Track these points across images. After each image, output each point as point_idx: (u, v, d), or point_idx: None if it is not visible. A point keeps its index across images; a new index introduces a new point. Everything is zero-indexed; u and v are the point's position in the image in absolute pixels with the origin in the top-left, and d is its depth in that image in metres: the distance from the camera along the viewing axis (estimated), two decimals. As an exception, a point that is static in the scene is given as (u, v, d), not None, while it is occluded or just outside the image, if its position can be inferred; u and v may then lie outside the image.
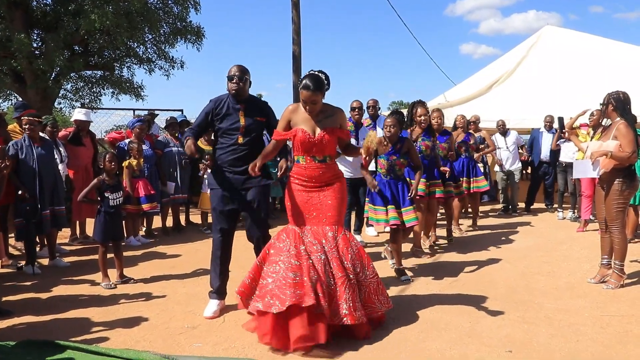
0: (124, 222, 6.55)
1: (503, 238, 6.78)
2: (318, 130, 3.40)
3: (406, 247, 5.67)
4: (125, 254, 5.97)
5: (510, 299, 4.15)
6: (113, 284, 4.68)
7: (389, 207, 4.72)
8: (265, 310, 3.17)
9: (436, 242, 6.28)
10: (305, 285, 3.15)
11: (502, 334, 3.41)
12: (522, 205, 9.41)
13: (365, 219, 5.75)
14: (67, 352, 3.11)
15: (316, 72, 3.40)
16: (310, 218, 3.46)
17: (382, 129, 6.66)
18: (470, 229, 7.43)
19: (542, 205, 9.33)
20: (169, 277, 4.97)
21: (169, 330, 3.57)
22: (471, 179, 7.29)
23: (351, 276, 3.35)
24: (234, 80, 3.78)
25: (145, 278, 4.95)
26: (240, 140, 3.79)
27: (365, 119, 6.67)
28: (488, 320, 3.67)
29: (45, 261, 5.58)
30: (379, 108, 6.88)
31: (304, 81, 3.32)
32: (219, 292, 3.93)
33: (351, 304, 3.23)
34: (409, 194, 4.72)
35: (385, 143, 4.43)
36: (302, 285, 3.15)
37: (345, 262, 3.37)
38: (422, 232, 5.88)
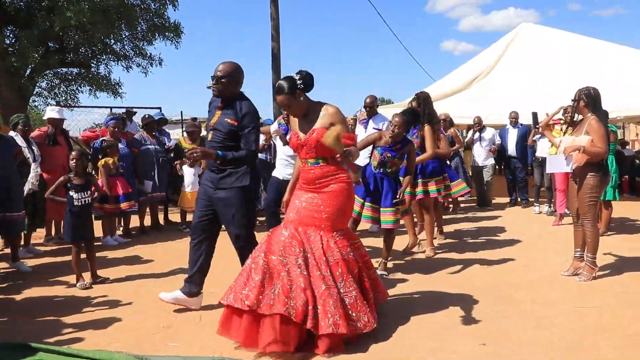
0: (100, 221, 6.52)
1: (479, 232, 6.86)
2: (307, 132, 3.36)
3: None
4: (101, 253, 5.92)
5: (486, 293, 4.20)
6: (88, 284, 4.60)
7: (366, 203, 4.71)
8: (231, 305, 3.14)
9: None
10: (269, 292, 3.08)
11: (478, 327, 3.45)
12: (502, 200, 9.54)
13: None
14: (39, 354, 3.06)
15: (294, 74, 3.36)
16: (305, 219, 3.33)
17: (374, 128, 6.74)
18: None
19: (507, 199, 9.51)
20: (145, 277, 4.92)
21: (144, 330, 3.53)
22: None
23: (330, 283, 3.14)
24: (212, 80, 3.67)
25: (121, 278, 4.89)
26: (209, 137, 3.75)
27: (362, 113, 6.79)
28: (464, 314, 3.71)
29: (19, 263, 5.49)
30: (378, 105, 6.98)
31: (277, 85, 3.33)
32: (188, 282, 3.92)
33: (321, 313, 3.05)
34: (397, 196, 4.56)
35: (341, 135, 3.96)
36: (263, 291, 3.08)
37: (323, 270, 3.17)
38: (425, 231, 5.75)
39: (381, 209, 4.65)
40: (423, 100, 5.57)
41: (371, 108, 6.77)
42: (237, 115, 3.65)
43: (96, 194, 4.96)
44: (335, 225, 3.36)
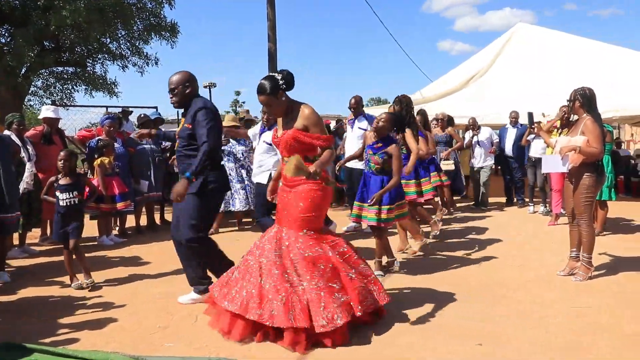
0: (96, 221, 6.50)
1: (475, 232, 6.87)
2: (283, 131, 3.45)
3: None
4: (97, 253, 5.92)
5: (481, 293, 4.21)
6: (84, 284, 4.57)
7: (355, 202, 4.78)
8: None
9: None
10: (238, 291, 3.27)
11: (473, 328, 3.46)
12: (500, 200, 9.57)
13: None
14: (34, 354, 3.05)
15: (275, 74, 3.42)
16: (282, 217, 3.49)
17: (358, 128, 6.78)
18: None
19: (503, 199, 9.54)
20: (141, 277, 4.91)
21: (141, 330, 3.52)
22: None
23: (291, 280, 3.20)
24: (169, 94, 3.88)
25: (117, 278, 4.88)
26: (176, 145, 3.93)
27: (351, 114, 6.87)
28: (459, 314, 3.71)
29: (14, 262, 5.47)
30: (363, 105, 7.06)
31: (258, 85, 3.38)
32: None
33: (281, 308, 3.09)
34: (369, 200, 4.53)
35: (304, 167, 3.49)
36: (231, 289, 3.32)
37: (287, 266, 3.26)
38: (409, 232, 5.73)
39: (364, 205, 4.66)
40: (406, 104, 5.62)
41: (356, 109, 6.83)
42: (192, 119, 3.79)
43: (91, 194, 4.91)
44: (305, 224, 3.38)
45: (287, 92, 3.43)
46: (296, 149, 3.37)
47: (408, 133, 5.38)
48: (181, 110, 4.06)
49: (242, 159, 7.12)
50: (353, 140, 6.70)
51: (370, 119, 6.82)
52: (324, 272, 3.26)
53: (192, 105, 3.86)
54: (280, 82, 3.36)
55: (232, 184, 6.78)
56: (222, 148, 6.25)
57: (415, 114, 6.54)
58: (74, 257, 4.63)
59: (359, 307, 3.24)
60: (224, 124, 6.21)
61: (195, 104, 3.85)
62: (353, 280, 3.33)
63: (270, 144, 5.20)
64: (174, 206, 3.95)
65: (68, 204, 4.59)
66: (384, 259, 4.85)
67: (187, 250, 3.90)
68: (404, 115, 5.36)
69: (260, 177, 5.62)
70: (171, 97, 3.86)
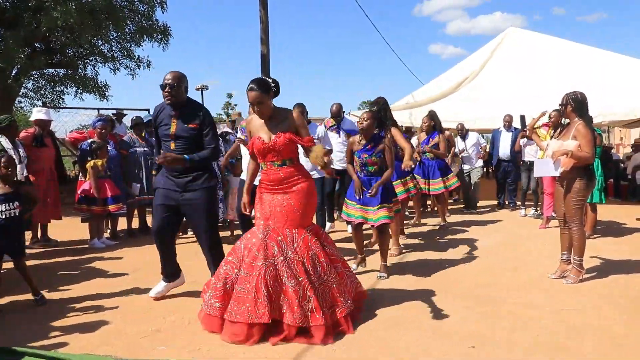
0: (88, 223, 6.46)
1: (467, 235, 6.91)
2: (272, 136, 3.49)
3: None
4: (88, 256, 5.88)
5: (474, 295, 4.23)
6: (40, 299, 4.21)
7: (357, 205, 4.76)
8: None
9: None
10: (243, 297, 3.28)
11: (466, 330, 3.47)
12: (490, 203, 9.63)
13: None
14: (25, 358, 3.02)
15: (266, 79, 3.58)
16: (274, 219, 3.49)
17: (344, 131, 6.82)
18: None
19: (495, 202, 9.60)
20: (133, 280, 4.88)
21: (132, 333, 3.50)
22: (429, 181, 7.47)
23: (313, 278, 3.37)
24: (166, 89, 3.84)
25: (109, 280, 4.85)
26: (172, 146, 3.88)
27: (328, 120, 6.88)
28: (452, 316, 3.73)
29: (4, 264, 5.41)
30: (344, 112, 7.13)
31: (250, 83, 3.44)
32: (167, 276, 4.26)
33: (312, 305, 3.28)
34: (369, 192, 4.64)
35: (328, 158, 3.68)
36: (227, 296, 3.35)
37: (306, 265, 3.38)
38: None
39: (369, 207, 4.71)
40: (383, 105, 5.73)
41: (337, 116, 6.92)
42: (199, 119, 3.87)
43: (28, 203, 4.39)
44: (304, 221, 3.55)
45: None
46: (289, 151, 3.50)
47: (396, 132, 5.52)
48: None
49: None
50: (340, 146, 6.76)
51: (348, 121, 6.98)
52: (331, 265, 3.52)
53: (191, 105, 3.95)
54: (272, 85, 3.53)
55: None
56: None
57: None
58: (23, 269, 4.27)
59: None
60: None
61: (198, 106, 3.98)
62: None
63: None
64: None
65: (8, 215, 4.10)
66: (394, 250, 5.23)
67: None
68: (382, 114, 5.47)
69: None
70: (169, 92, 3.81)
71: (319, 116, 11.05)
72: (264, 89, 3.44)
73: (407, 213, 7.66)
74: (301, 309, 3.25)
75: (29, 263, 5.56)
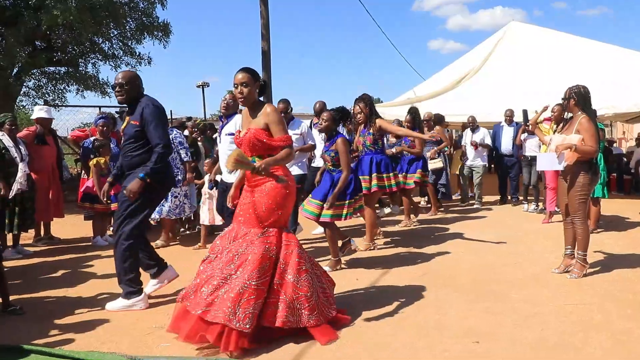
0: (91, 221, 6.47)
1: (470, 230, 6.89)
2: (245, 130, 3.44)
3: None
4: (91, 254, 5.89)
5: (476, 290, 4.23)
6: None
7: (316, 201, 4.88)
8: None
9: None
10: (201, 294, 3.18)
11: (468, 325, 3.47)
12: (492, 198, 9.61)
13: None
14: (30, 356, 3.03)
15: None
16: (245, 218, 3.38)
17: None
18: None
19: (497, 197, 9.56)
20: (137, 277, 4.88)
21: (136, 331, 3.51)
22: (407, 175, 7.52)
23: (256, 283, 3.14)
24: (116, 88, 3.90)
25: (112, 278, 4.85)
26: (119, 144, 3.96)
27: (315, 117, 6.95)
28: (454, 312, 3.72)
29: (8, 262, 5.42)
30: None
31: (239, 69, 3.43)
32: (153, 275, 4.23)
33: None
34: (325, 204, 4.75)
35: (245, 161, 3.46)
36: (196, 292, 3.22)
37: (280, 264, 3.27)
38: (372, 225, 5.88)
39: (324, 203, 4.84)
40: (368, 100, 5.85)
41: (321, 113, 6.84)
42: (139, 115, 3.84)
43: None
44: (269, 221, 3.32)
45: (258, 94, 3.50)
46: (259, 148, 3.35)
47: (383, 122, 5.76)
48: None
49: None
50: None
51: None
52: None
53: (137, 103, 3.92)
54: (261, 77, 3.52)
55: None
56: None
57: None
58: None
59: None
60: None
61: (141, 101, 3.91)
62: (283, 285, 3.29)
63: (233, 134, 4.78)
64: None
65: None
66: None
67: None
68: (347, 111, 5.53)
69: (230, 176, 4.91)
70: (119, 92, 3.87)
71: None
72: (252, 74, 3.42)
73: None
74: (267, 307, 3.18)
75: (31, 261, 5.60)
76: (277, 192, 3.33)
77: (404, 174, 7.45)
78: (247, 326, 3.02)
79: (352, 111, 5.83)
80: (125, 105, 4.02)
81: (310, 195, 5.04)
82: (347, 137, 5.34)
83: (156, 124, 3.82)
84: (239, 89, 3.39)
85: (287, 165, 3.56)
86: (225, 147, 4.98)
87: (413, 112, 7.61)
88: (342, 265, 5.02)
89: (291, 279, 3.26)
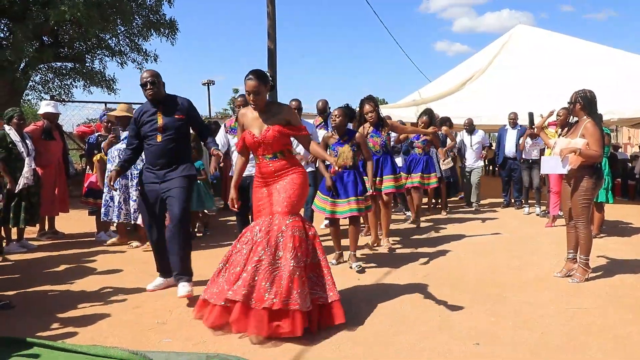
0: (95, 216, 6.50)
1: (473, 233, 6.90)
2: (263, 129, 3.51)
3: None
4: (95, 249, 5.92)
5: (479, 293, 4.24)
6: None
7: (329, 199, 4.89)
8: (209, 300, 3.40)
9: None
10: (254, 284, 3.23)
11: (471, 327, 3.48)
12: (496, 201, 9.60)
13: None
14: (33, 349, 3.06)
15: (262, 70, 3.61)
16: (267, 210, 3.51)
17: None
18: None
19: (500, 200, 9.56)
20: (139, 272, 4.91)
21: (139, 325, 3.53)
22: (424, 175, 7.50)
23: (302, 263, 3.33)
24: (147, 87, 4.02)
25: (116, 273, 4.89)
26: (159, 138, 4.03)
27: (317, 118, 6.88)
28: (457, 314, 3.73)
29: (12, 256, 5.47)
30: (329, 107, 7.07)
31: (248, 74, 3.48)
32: (163, 272, 4.31)
33: (299, 290, 3.23)
34: (370, 188, 4.79)
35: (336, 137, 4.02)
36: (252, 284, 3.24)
37: (297, 250, 3.34)
38: (378, 227, 5.89)
39: (338, 200, 4.87)
40: (375, 102, 5.85)
41: (323, 112, 6.93)
42: (182, 111, 4.10)
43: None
44: (293, 209, 3.49)
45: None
46: (277, 144, 3.51)
47: (393, 122, 5.95)
48: None
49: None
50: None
51: None
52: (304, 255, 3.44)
53: (172, 100, 4.14)
54: (270, 79, 3.57)
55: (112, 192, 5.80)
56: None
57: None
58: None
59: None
60: (116, 113, 6.03)
61: (179, 99, 4.17)
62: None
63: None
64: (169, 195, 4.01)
65: None
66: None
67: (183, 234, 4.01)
68: (353, 110, 5.53)
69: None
70: (151, 88, 4.02)
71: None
72: (263, 80, 3.46)
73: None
74: (301, 293, 3.25)
75: (35, 255, 5.64)
76: (302, 180, 3.57)
77: (419, 173, 7.46)
78: (308, 305, 3.27)
79: (358, 111, 5.83)
80: (155, 100, 4.10)
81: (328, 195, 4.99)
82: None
83: (199, 117, 4.29)
84: (252, 97, 3.48)
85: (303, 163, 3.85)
86: None
87: (429, 112, 7.63)
88: (345, 263, 5.05)
89: (320, 258, 3.51)
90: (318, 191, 5.08)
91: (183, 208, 3.96)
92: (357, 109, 5.83)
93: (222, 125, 6.06)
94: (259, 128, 3.52)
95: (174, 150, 4.05)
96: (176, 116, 4.06)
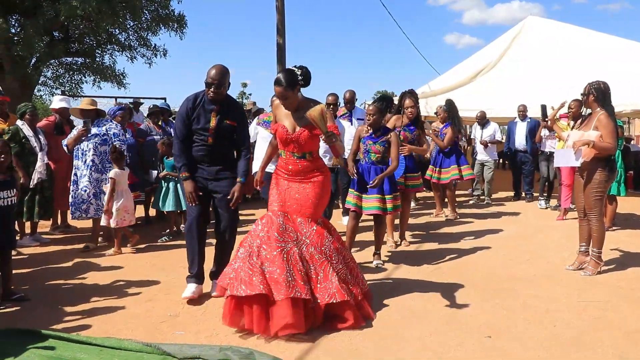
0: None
1: (483, 226, 6.87)
2: (297, 128, 3.49)
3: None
4: (107, 243, 5.95)
5: (489, 286, 4.22)
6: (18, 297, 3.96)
7: (355, 192, 4.81)
8: (233, 294, 3.24)
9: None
10: (277, 278, 3.20)
11: (482, 321, 3.47)
12: (506, 194, 9.54)
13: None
14: (49, 340, 3.09)
15: (295, 67, 3.51)
16: (289, 208, 3.52)
17: (357, 120, 6.77)
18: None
19: (511, 193, 9.51)
20: (151, 266, 4.95)
21: (152, 318, 3.57)
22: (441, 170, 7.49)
23: (333, 260, 3.42)
24: (212, 88, 3.77)
25: (127, 267, 4.93)
26: (210, 141, 3.89)
27: (341, 108, 6.83)
28: (468, 308, 3.73)
29: (26, 250, 5.54)
30: (356, 99, 7.06)
31: (277, 76, 3.43)
32: (197, 276, 4.01)
33: (337, 283, 3.30)
34: (370, 183, 4.64)
35: (327, 114, 3.77)
36: (273, 278, 3.21)
37: (323, 252, 3.42)
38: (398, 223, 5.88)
39: (364, 196, 4.75)
40: (416, 97, 5.87)
41: (351, 103, 6.87)
42: (235, 118, 3.94)
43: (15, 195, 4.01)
44: (316, 213, 3.57)
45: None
46: (308, 145, 3.52)
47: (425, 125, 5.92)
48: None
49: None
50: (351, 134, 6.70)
51: (360, 110, 6.93)
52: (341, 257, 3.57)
53: (229, 101, 3.99)
54: (300, 77, 3.48)
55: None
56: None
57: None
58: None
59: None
60: (83, 106, 5.88)
61: (234, 105, 4.07)
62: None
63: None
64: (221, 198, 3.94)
65: (7, 203, 3.89)
66: (390, 242, 5.28)
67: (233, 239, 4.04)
68: (390, 97, 5.68)
69: None
70: (214, 92, 3.77)
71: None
72: (290, 84, 3.40)
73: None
74: (325, 287, 3.30)
75: (49, 248, 5.69)
76: (326, 183, 3.62)
77: (438, 168, 7.50)
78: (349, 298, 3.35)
79: (397, 103, 5.82)
80: (215, 101, 3.87)
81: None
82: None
83: (246, 127, 4.11)
84: (281, 102, 3.49)
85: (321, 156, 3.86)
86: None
87: (449, 104, 7.60)
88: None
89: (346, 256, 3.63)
90: (350, 189, 4.94)
91: (234, 211, 3.97)
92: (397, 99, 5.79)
93: (256, 118, 6.23)
94: (291, 125, 3.52)
95: (223, 154, 3.97)
96: (229, 122, 3.89)
